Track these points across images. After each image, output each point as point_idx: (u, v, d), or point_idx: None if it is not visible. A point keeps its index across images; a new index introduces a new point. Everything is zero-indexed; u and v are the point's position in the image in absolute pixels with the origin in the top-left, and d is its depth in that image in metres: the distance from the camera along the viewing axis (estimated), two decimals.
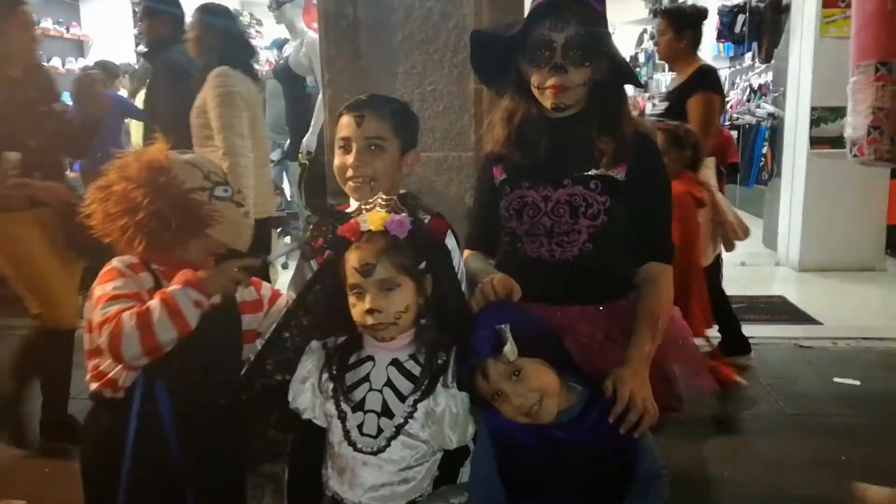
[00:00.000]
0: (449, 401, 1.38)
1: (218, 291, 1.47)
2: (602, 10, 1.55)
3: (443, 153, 3.06)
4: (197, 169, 1.54)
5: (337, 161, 1.63)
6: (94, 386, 1.52)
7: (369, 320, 1.34)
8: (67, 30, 8.23)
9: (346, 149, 1.61)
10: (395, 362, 1.40)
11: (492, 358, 1.33)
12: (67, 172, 6.14)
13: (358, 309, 1.36)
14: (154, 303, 1.40)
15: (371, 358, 1.41)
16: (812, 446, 2.93)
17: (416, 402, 1.38)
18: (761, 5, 6.27)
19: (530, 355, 1.34)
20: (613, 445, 1.38)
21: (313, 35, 4.41)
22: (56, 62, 7.83)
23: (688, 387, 1.67)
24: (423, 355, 1.40)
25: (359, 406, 1.38)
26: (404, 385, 1.39)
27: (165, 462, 1.46)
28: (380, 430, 1.38)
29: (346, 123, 1.63)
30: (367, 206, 1.43)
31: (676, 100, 3.58)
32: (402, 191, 1.64)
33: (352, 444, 1.38)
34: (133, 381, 1.48)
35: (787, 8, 5.90)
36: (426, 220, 1.55)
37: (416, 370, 1.40)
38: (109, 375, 1.50)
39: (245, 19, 11.37)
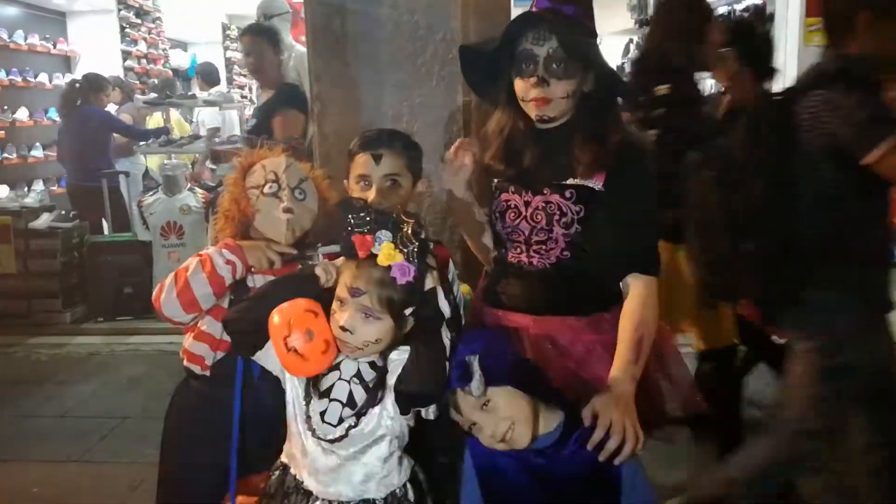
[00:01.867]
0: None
1: (254, 262, 1.65)
2: (588, 23, 1.56)
3: (432, 165, 3.07)
4: (263, 169, 1.72)
5: (358, 195, 1.68)
6: (185, 361, 1.75)
7: (339, 334, 1.38)
8: (54, 45, 8.21)
9: (366, 186, 1.70)
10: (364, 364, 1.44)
11: (462, 389, 1.35)
12: (53, 188, 6.13)
13: (335, 317, 1.39)
14: (191, 260, 1.63)
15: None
16: None
17: (381, 397, 1.41)
18: (745, 14, 6.34)
19: (501, 383, 1.34)
20: (595, 474, 1.36)
21: (301, 49, 4.41)
22: (43, 78, 7.82)
23: (675, 406, 1.66)
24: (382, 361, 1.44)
25: (324, 394, 1.42)
26: (370, 375, 1.43)
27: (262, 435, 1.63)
28: (340, 420, 1.40)
29: (363, 162, 1.70)
30: (395, 230, 1.39)
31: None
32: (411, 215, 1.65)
33: (311, 429, 1.41)
34: (221, 359, 1.70)
35: (771, 17, 5.96)
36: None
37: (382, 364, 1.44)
38: (197, 353, 1.72)
39: (233, 33, 11.40)
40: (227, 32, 11.28)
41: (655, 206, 1.61)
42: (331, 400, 1.41)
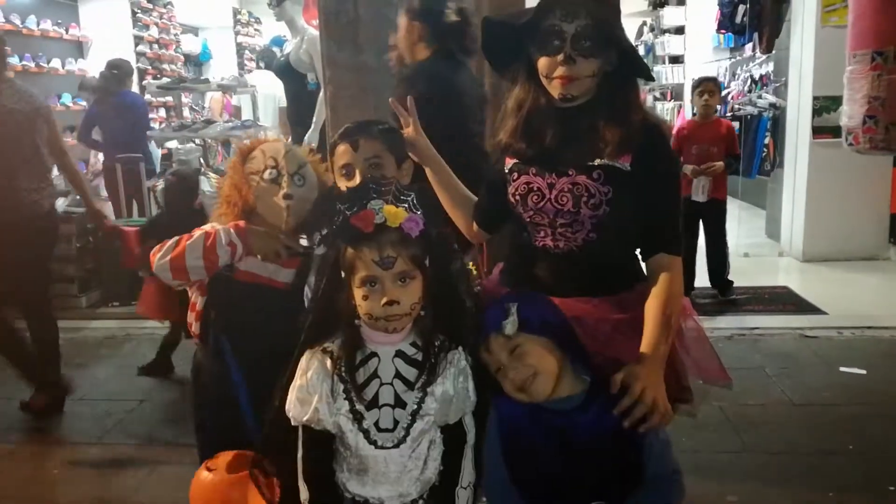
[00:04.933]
0: (446, 382, 1.41)
1: (258, 249, 1.69)
2: (614, 1, 1.55)
3: None
4: (263, 155, 1.74)
5: (343, 188, 1.70)
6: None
7: (388, 311, 1.34)
8: (66, 31, 8.23)
9: (349, 175, 1.75)
10: (400, 353, 1.41)
11: (495, 332, 1.39)
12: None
13: (371, 301, 1.35)
14: (197, 231, 1.68)
15: (374, 354, 1.41)
16: (819, 436, 2.93)
17: (424, 385, 1.40)
18: None
19: (536, 333, 1.39)
20: (617, 441, 1.39)
21: (314, 32, 4.40)
22: (56, 63, 7.84)
23: (699, 380, 1.66)
24: (421, 340, 1.43)
25: (372, 403, 1.39)
26: (411, 373, 1.41)
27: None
28: (396, 422, 1.39)
29: (343, 151, 1.76)
30: (380, 193, 1.39)
31: None
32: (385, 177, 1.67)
33: (372, 442, 1.39)
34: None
35: None
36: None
37: (419, 356, 1.42)
38: (189, 321, 1.83)
39: (244, 17, 11.38)
40: (238, 17, 11.26)
41: (679, 186, 1.62)
42: (380, 407, 1.39)
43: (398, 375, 1.40)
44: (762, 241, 6.32)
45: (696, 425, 2.76)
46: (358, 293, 1.37)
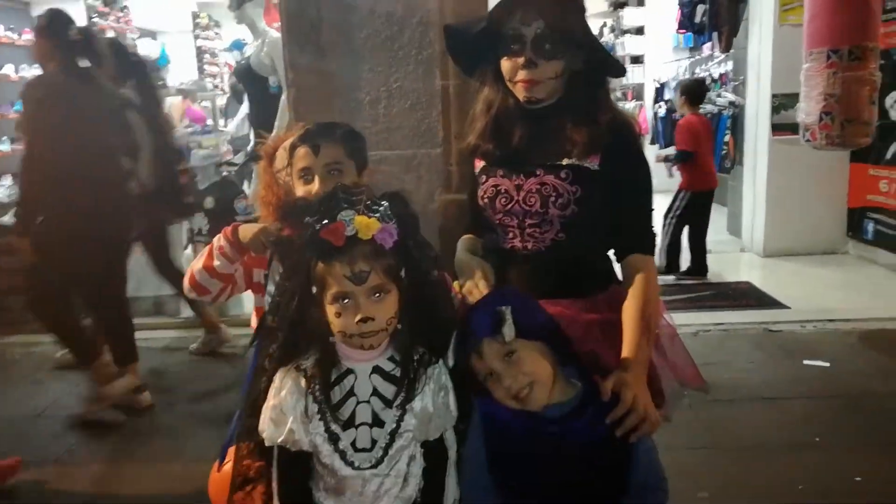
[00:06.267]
0: (425, 398, 1.36)
1: (248, 242, 1.70)
2: (578, 1, 1.53)
3: (411, 150, 3.03)
4: (286, 151, 1.77)
5: (301, 192, 1.67)
6: None
7: (363, 328, 1.29)
8: (19, 35, 8.00)
9: (308, 179, 1.69)
10: (377, 370, 1.36)
11: (488, 337, 1.33)
12: None
13: (345, 319, 1.29)
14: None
15: (351, 371, 1.36)
16: (786, 429, 2.97)
17: (403, 403, 1.35)
18: None
19: (531, 338, 1.35)
20: (607, 448, 1.36)
21: (275, 34, 4.34)
22: (8, 69, 7.62)
23: (676, 383, 1.66)
24: (399, 355, 1.37)
25: (349, 423, 1.34)
26: (389, 390, 1.36)
27: None
28: (373, 442, 1.34)
29: (302, 154, 1.70)
30: (351, 203, 1.32)
31: None
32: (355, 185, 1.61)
33: (349, 463, 1.34)
34: None
35: None
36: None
37: (397, 372, 1.36)
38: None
39: (204, 21, 11.20)
40: (198, 20, 11.08)
41: (651, 185, 1.60)
42: (357, 427, 1.33)
43: (375, 393, 1.35)
44: (724, 238, 6.41)
45: (665, 423, 2.77)
46: (330, 310, 1.31)
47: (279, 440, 1.34)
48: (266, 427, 1.35)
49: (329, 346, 1.35)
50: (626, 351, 1.45)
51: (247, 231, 1.72)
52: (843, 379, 3.44)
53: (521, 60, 1.48)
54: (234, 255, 1.74)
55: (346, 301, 1.29)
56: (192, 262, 1.81)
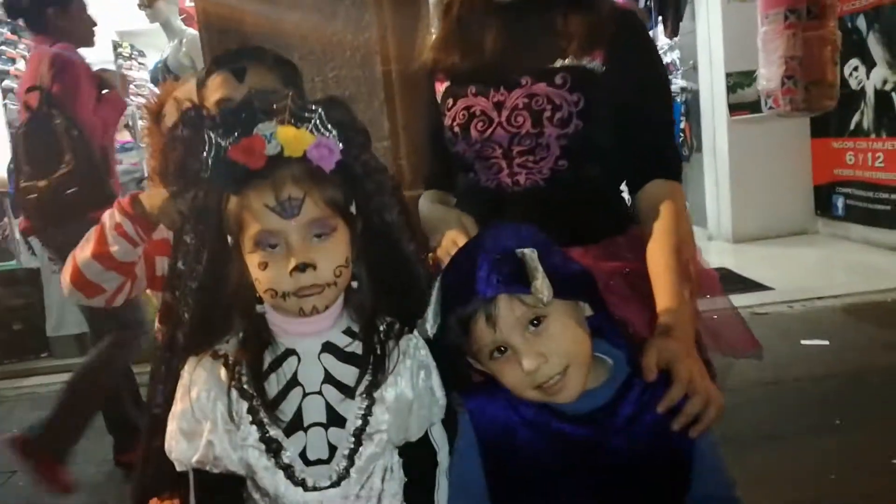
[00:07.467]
0: (401, 381, 0.96)
1: (158, 214, 1.30)
2: None
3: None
4: (177, 103, 1.45)
5: None
6: None
7: (300, 282, 0.89)
8: None
9: None
10: (329, 347, 0.96)
11: (506, 294, 0.90)
12: None
13: (274, 270, 0.89)
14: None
15: (291, 351, 0.95)
16: (803, 414, 2.68)
17: (369, 389, 0.94)
18: None
19: (562, 295, 0.91)
20: (658, 450, 0.94)
21: (193, 32, 3.99)
22: None
23: (725, 350, 1.29)
24: (358, 324, 0.97)
25: (294, 425, 0.93)
26: (348, 374, 0.95)
27: None
28: (332, 449, 0.93)
29: (221, 82, 1.32)
30: (273, 112, 0.93)
31: None
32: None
33: (299, 483, 0.93)
34: None
35: None
36: None
37: (357, 348, 0.96)
38: None
39: (126, 50, 10.70)
40: (119, 50, 10.57)
41: (670, 91, 1.24)
42: (307, 429, 0.94)
43: (329, 379, 0.95)
44: None
45: None
46: (252, 261, 0.91)
47: (194, 459, 0.92)
48: (175, 444, 0.93)
49: (257, 319, 0.95)
50: (661, 308, 1.06)
51: (154, 199, 1.30)
52: (846, 355, 3.19)
53: None
54: (136, 235, 1.33)
55: (273, 247, 0.89)
56: (73, 253, 1.36)
